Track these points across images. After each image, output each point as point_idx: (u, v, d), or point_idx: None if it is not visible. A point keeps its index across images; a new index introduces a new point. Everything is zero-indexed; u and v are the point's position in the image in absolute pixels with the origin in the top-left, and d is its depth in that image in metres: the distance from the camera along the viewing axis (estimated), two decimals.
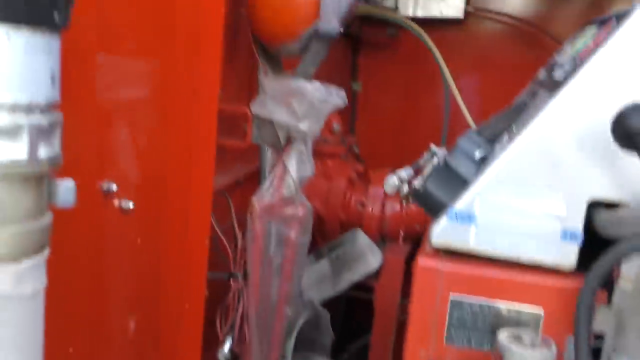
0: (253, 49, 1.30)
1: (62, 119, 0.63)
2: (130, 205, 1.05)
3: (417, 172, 0.96)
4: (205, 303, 1.24)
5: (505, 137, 0.79)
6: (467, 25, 1.97)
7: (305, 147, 1.22)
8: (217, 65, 1.15)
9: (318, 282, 1.66)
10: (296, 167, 1.23)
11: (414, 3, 1.85)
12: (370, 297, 1.74)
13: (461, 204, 0.76)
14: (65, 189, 0.67)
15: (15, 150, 0.58)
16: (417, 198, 0.81)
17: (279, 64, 1.25)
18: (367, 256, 1.60)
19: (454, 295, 0.76)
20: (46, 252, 0.65)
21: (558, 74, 0.80)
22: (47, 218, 0.65)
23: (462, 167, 0.77)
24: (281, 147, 1.24)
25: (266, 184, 1.25)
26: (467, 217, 0.75)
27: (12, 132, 0.58)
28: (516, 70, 1.98)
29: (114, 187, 1.00)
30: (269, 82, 1.18)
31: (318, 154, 1.58)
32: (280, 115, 1.17)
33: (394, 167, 1.88)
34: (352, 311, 1.92)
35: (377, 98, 2.11)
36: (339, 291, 1.65)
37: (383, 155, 2.05)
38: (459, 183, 0.77)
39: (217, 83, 1.16)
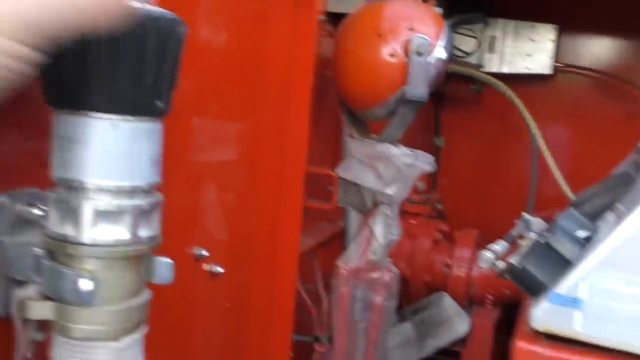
0: (338, 112, 1.32)
1: (162, 199, 0.65)
2: (220, 270, 1.06)
3: (512, 244, 0.93)
4: None
5: (611, 215, 0.75)
6: (554, 80, 1.92)
7: (391, 211, 1.21)
8: (304, 128, 1.17)
9: (402, 346, 1.61)
10: (382, 231, 1.21)
11: (499, 59, 1.82)
12: None
13: (564, 286, 0.72)
14: (164, 267, 0.68)
15: (117, 232, 0.60)
16: (514, 276, 0.77)
17: (366, 127, 1.25)
18: (454, 322, 1.54)
19: None
20: (144, 329, 0.66)
21: None
22: (146, 296, 0.66)
23: (564, 247, 0.73)
24: (367, 211, 1.23)
25: (352, 248, 1.24)
26: (572, 301, 0.71)
27: (115, 215, 0.59)
28: (605, 125, 1.92)
29: (205, 252, 1.02)
30: (356, 145, 1.18)
31: (401, 213, 1.56)
32: (366, 179, 1.17)
33: (478, 225, 1.86)
34: None
35: (461, 154, 2.07)
36: (422, 356, 1.60)
37: (467, 212, 2.00)
38: (560, 264, 0.73)
39: (305, 146, 1.17)
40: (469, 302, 1.68)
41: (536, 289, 0.75)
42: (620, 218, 0.72)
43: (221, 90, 1.04)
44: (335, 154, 1.52)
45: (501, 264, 0.82)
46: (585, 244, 0.74)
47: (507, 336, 1.73)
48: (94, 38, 0.52)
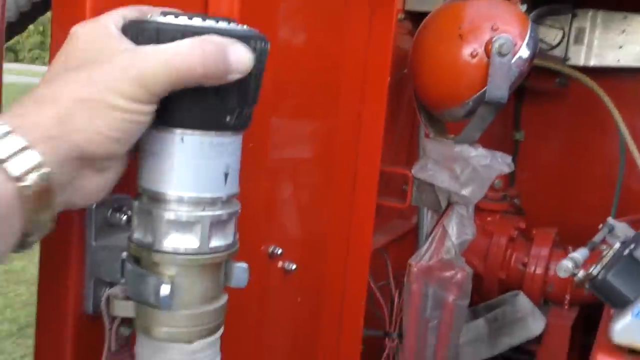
0: (414, 111, 1.30)
1: (239, 208, 0.67)
2: (293, 267, 1.08)
3: (593, 252, 0.90)
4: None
5: None
6: None
7: (466, 212, 1.19)
8: (380, 127, 1.17)
9: (473, 342, 1.60)
10: (456, 231, 1.20)
11: (586, 52, 1.74)
12: None
13: None
14: (239, 271, 0.70)
15: (195, 241, 0.62)
16: (594, 287, 0.75)
17: (443, 127, 1.23)
18: (529, 321, 1.51)
19: None
20: (220, 332, 0.69)
21: None
22: (222, 300, 0.68)
23: None
24: (441, 210, 1.22)
25: (425, 246, 1.23)
26: None
27: (193, 225, 0.62)
28: None
29: (279, 250, 1.04)
30: (432, 145, 1.17)
31: (477, 210, 1.54)
32: (442, 179, 1.16)
33: (558, 221, 1.80)
34: None
35: (541, 149, 2.01)
36: (494, 354, 1.58)
37: (546, 208, 1.95)
38: None
39: (379, 145, 1.17)
40: (544, 301, 1.64)
41: (619, 303, 0.72)
42: None
43: (298, 89, 1.05)
44: (409, 154, 1.51)
45: (581, 273, 0.80)
46: None
47: (584, 334, 1.70)
48: None
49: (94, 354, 0.71)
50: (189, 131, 0.59)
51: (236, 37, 0.57)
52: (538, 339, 1.57)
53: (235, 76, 0.56)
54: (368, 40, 1.14)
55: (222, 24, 0.57)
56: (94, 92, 0.51)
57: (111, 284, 0.69)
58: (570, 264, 0.82)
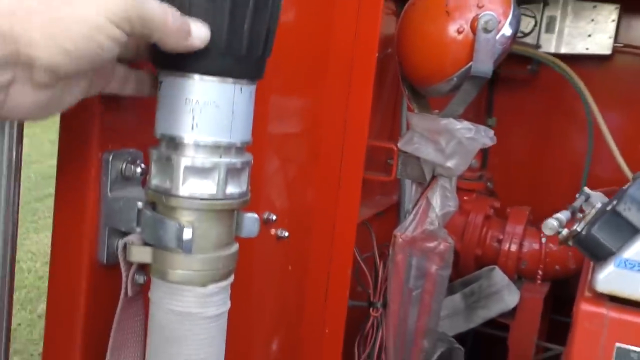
0: (396, 89, 1.35)
1: (251, 159, 0.70)
2: (286, 234, 1.12)
3: (574, 214, 0.96)
4: (345, 329, 1.29)
5: None
6: (612, 61, 1.91)
7: (449, 184, 1.24)
8: (367, 103, 1.20)
9: (450, 316, 1.66)
10: (440, 202, 1.25)
11: (557, 40, 1.82)
12: (500, 334, 1.72)
13: (632, 252, 0.75)
14: (250, 221, 0.73)
15: (210, 187, 0.65)
16: (579, 243, 0.81)
17: (427, 103, 1.28)
18: (504, 294, 1.58)
19: (619, 344, 0.74)
20: (231, 278, 0.72)
21: None
22: (234, 248, 0.71)
23: (633, 215, 0.76)
24: (426, 183, 1.27)
25: (409, 218, 1.28)
26: (639, 266, 0.74)
27: (210, 171, 0.65)
28: None
29: (274, 217, 1.07)
30: (417, 119, 1.22)
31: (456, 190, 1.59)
32: (427, 152, 1.20)
33: (528, 203, 1.87)
34: (478, 347, 1.90)
35: (512, 134, 2.09)
36: (471, 327, 1.64)
37: (517, 191, 2.02)
38: (628, 231, 0.76)
39: (367, 120, 1.21)
40: (518, 276, 1.71)
41: (602, 255, 0.78)
42: None
43: (288, 65, 1.08)
44: (392, 129, 1.56)
45: (565, 231, 0.85)
46: None
47: (553, 313, 1.77)
48: None
49: (107, 303, 0.73)
50: (214, 78, 0.62)
51: None
52: (512, 313, 1.64)
53: (195, 42, 0.59)
54: (357, 17, 1.18)
55: None
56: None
57: (125, 234, 0.72)
58: (556, 222, 0.88)
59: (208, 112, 0.63)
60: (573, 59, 1.81)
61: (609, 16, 1.80)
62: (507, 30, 1.11)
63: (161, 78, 0.64)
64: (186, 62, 0.61)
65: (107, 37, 0.53)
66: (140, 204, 0.70)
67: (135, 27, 0.54)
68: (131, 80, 0.67)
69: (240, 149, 0.67)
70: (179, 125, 0.64)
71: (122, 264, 0.70)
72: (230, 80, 0.63)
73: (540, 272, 1.66)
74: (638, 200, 0.76)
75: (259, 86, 0.69)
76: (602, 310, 0.76)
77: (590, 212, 0.86)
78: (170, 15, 0.56)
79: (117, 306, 0.72)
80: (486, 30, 1.08)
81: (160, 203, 0.67)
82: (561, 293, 1.78)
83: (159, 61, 0.63)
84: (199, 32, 0.59)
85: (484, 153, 2.05)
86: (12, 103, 0.53)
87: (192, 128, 0.64)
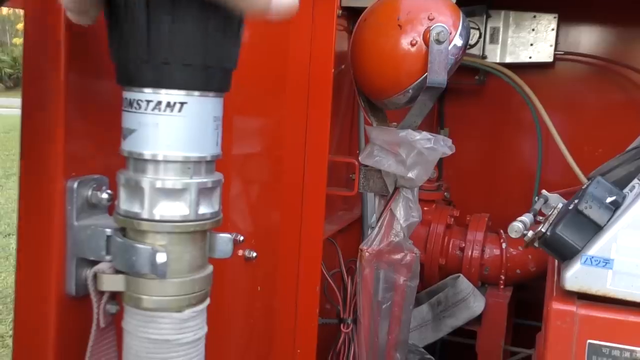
0: (353, 104, 1.36)
1: (222, 178, 0.69)
2: (254, 254, 1.11)
3: (535, 217, 0.98)
4: (316, 347, 1.28)
5: (638, 182, 0.80)
6: (554, 68, 1.98)
7: (412, 195, 1.26)
8: (326, 119, 1.21)
9: (419, 328, 1.67)
10: (404, 214, 1.26)
11: (501, 50, 1.88)
12: (467, 341, 1.74)
13: (596, 248, 0.77)
14: (224, 241, 0.72)
15: (181, 208, 0.64)
16: (545, 244, 0.82)
17: (384, 116, 1.30)
18: (470, 301, 1.60)
19: (591, 340, 0.76)
20: (207, 301, 0.71)
21: None
22: (209, 269, 0.70)
23: (594, 213, 0.79)
24: (388, 195, 1.28)
25: (374, 231, 1.29)
26: (604, 262, 0.76)
27: (179, 192, 0.64)
28: (606, 111, 1.98)
29: (241, 238, 1.06)
30: (377, 132, 1.23)
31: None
32: (388, 164, 1.22)
33: (484, 211, 1.91)
34: (447, 356, 1.91)
35: (464, 144, 2.12)
36: (440, 337, 1.65)
37: (473, 201, 2.06)
38: (591, 228, 0.79)
39: (326, 136, 1.22)
40: (481, 283, 1.74)
41: (568, 254, 0.80)
42: None
43: (246, 85, 1.08)
44: (351, 144, 1.57)
45: (530, 233, 0.87)
46: (615, 209, 0.79)
47: (516, 317, 1.81)
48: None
49: (78, 336, 0.71)
50: (180, 92, 0.61)
51: None
52: (478, 320, 1.66)
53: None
54: (311, 34, 1.19)
55: None
56: None
57: (94, 263, 0.70)
58: (521, 225, 0.90)
59: (175, 126, 0.62)
60: (518, 68, 1.88)
61: (548, 25, 1.87)
62: (458, 41, 1.14)
63: (134, 97, 0.62)
64: (152, 75, 0.59)
65: None
66: (109, 231, 0.68)
67: None
68: None
69: (210, 165, 0.67)
70: (146, 141, 0.62)
71: (92, 294, 0.68)
72: (210, 94, 0.63)
73: (502, 276, 1.69)
74: (598, 198, 0.79)
75: (232, 107, 0.68)
76: (572, 308, 0.78)
77: (553, 213, 0.88)
78: None
79: (89, 339, 0.69)
80: (438, 42, 1.10)
81: (131, 228, 0.65)
82: (523, 297, 1.82)
83: (127, 79, 0.62)
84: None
85: (439, 164, 2.09)
86: None
87: (160, 143, 0.62)
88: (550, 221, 0.85)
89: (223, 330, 1.10)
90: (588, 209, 0.78)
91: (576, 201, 0.82)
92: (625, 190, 0.82)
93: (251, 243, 1.11)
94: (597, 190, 0.79)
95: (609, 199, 0.79)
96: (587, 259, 0.78)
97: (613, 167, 0.91)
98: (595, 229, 0.79)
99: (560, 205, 0.89)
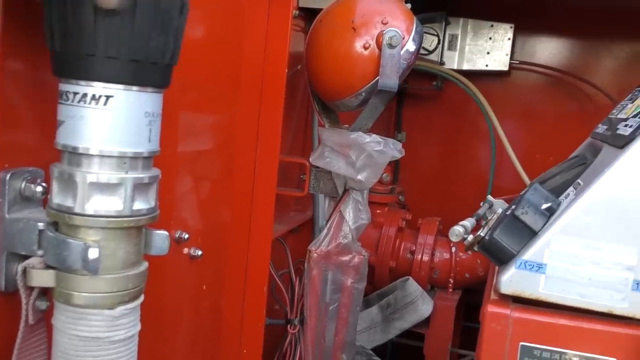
0: (307, 105, 1.36)
1: (159, 174, 0.68)
2: (199, 252, 1.10)
3: (478, 221, 1.00)
4: (263, 348, 1.27)
5: (572, 190, 0.82)
6: (510, 77, 2.02)
7: (361, 197, 1.26)
8: (278, 119, 1.21)
9: (368, 329, 1.68)
10: (353, 215, 1.27)
11: (459, 57, 1.91)
12: (416, 344, 1.75)
13: (530, 253, 0.79)
14: (160, 238, 0.72)
15: (116, 203, 0.63)
16: (483, 248, 0.84)
17: (336, 117, 1.30)
18: (419, 304, 1.61)
19: (523, 343, 0.78)
20: (140, 299, 0.70)
21: (623, 129, 0.83)
22: (143, 266, 0.69)
23: (530, 218, 0.80)
24: (338, 197, 1.28)
25: (323, 232, 1.29)
26: (537, 266, 0.78)
27: (115, 187, 0.63)
28: (559, 121, 2.03)
29: (186, 235, 1.05)
30: (328, 134, 1.23)
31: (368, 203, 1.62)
32: (338, 166, 1.22)
33: (438, 215, 1.94)
34: (396, 358, 1.93)
35: (421, 149, 2.16)
36: (388, 339, 1.67)
37: (427, 204, 2.09)
38: (526, 233, 0.80)
39: (278, 136, 1.22)
40: (431, 286, 1.76)
41: (504, 258, 0.81)
42: (579, 192, 0.80)
43: (198, 82, 1.07)
44: (304, 144, 1.57)
45: (470, 237, 0.89)
46: (549, 215, 0.81)
47: (465, 320, 1.83)
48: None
49: (6, 333, 0.69)
50: (117, 86, 0.60)
51: None
52: (426, 323, 1.68)
53: None
54: (266, 34, 1.19)
55: None
56: None
57: (25, 257, 0.68)
58: (461, 229, 0.91)
59: (112, 121, 0.61)
60: (474, 75, 1.91)
61: (505, 35, 1.90)
62: (410, 46, 1.15)
63: (64, 88, 0.61)
64: (76, 67, 0.58)
65: None
66: (41, 225, 0.67)
67: None
68: None
69: (147, 161, 0.66)
70: (81, 135, 0.61)
71: (21, 290, 0.67)
72: (135, 88, 0.62)
73: (451, 280, 1.71)
74: (534, 204, 0.81)
75: (168, 101, 0.67)
76: (506, 311, 0.80)
77: (493, 218, 0.90)
78: None
79: (17, 336, 0.68)
80: (391, 46, 1.11)
81: (63, 222, 0.64)
82: (471, 300, 1.85)
83: (58, 69, 0.61)
84: None
85: (394, 167, 2.11)
86: None
87: (95, 138, 0.61)
88: (490, 226, 0.86)
89: (167, 329, 1.09)
90: (524, 215, 0.80)
91: (513, 206, 0.83)
92: (561, 197, 0.84)
93: (197, 241, 1.10)
94: (533, 197, 0.81)
95: (544, 205, 0.80)
96: (521, 263, 0.79)
97: (554, 174, 0.93)
98: (530, 234, 0.81)
99: (500, 211, 0.91)
